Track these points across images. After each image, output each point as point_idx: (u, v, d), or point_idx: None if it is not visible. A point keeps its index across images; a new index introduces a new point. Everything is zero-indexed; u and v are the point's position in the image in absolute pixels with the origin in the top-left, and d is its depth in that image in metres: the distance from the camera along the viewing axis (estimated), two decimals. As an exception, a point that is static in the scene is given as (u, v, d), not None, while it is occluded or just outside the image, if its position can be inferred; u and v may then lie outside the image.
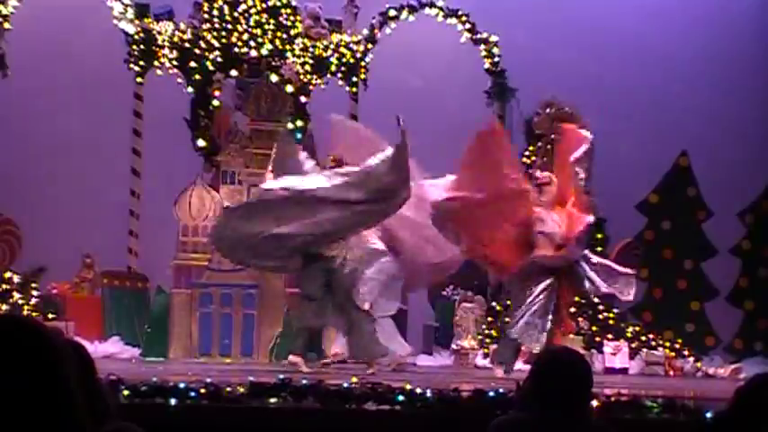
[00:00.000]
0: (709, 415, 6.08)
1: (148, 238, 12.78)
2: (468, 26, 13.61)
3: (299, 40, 12.97)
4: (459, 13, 13.57)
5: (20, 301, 11.44)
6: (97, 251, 12.43)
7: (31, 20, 12.53)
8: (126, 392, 5.99)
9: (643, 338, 12.36)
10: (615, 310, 12.38)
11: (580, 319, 12.05)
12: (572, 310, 11.17)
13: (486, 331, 12.06)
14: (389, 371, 9.56)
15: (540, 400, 3.46)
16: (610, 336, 12.18)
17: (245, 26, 12.80)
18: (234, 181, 12.03)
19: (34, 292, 11.67)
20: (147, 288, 12.25)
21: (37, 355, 1.96)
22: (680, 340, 12.80)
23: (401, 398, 6.22)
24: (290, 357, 9.41)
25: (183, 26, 12.79)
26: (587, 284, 9.66)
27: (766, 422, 3.31)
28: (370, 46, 13.30)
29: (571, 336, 10.86)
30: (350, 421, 6.16)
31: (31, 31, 12.60)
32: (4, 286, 11.54)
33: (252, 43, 12.79)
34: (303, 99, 13.03)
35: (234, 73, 12.82)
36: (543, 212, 9.67)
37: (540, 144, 13.48)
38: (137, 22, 12.66)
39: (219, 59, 12.75)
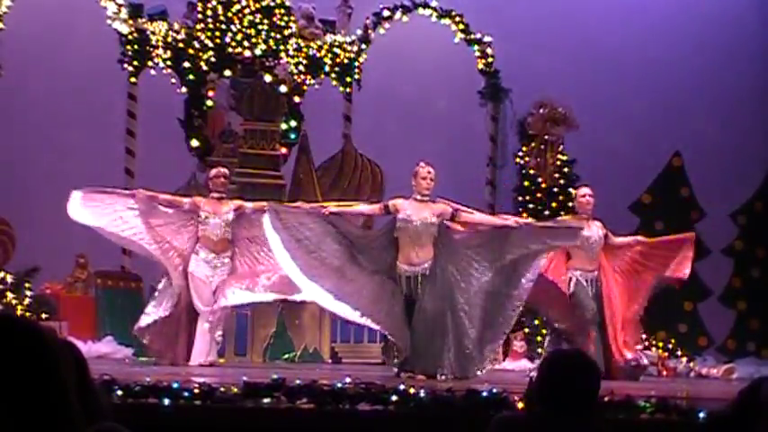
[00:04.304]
0: (702, 415, 6.09)
1: (142, 238, 12.76)
2: (461, 26, 13.63)
3: (292, 41, 12.98)
4: (453, 13, 13.59)
5: (13, 301, 11.43)
6: (90, 251, 12.41)
7: (25, 20, 12.52)
8: (119, 393, 5.98)
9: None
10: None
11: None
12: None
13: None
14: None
15: (546, 400, 3.46)
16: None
17: (238, 26, 12.81)
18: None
19: (28, 292, 11.66)
20: (140, 288, 12.24)
21: (33, 355, 1.97)
22: (673, 340, 12.83)
23: (395, 398, 6.22)
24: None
25: (176, 26, 12.80)
26: None
27: (763, 422, 3.33)
28: (363, 46, 13.31)
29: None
30: (343, 421, 6.17)
31: (24, 31, 12.60)
32: (-3, 286, 11.56)
33: (246, 43, 12.80)
34: (297, 99, 13.05)
35: (228, 73, 12.83)
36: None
37: (533, 144, 13.51)
38: (130, 21, 12.66)
39: (213, 59, 12.76)
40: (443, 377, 8.68)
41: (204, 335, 9.95)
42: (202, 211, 10.09)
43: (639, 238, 10.59)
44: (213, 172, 10.37)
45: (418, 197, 9.16)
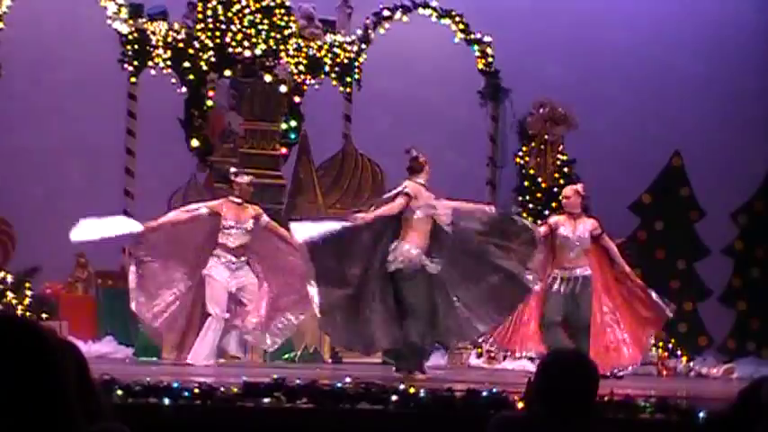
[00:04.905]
0: (701, 415, 6.10)
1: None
2: (461, 26, 13.63)
3: (292, 41, 12.98)
4: (453, 13, 13.58)
5: (13, 301, 11.43)
6: (91, 251, 12.41)
7: (25, 20, 12.52)
8: (119, 392, 5.98)
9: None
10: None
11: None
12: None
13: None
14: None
15: (545, 400, 3.47)
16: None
17: (238, 26, 12.80)
18: (227, 181, 12.01)
19: (28, 292, 11.66)
20: (140, 288, 12.23)
21: (33, 355, 1.97)
22: (673, 340, 12.83)
23: (395, 398, 6.22)
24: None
25: (176, 26, 12.79)
26: None
27: (764, 422, 3.33)
28: (363, 46, 13.31)
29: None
30: (343, 421, 6.17)
31: (24, 31, 12.59)
32: (-3, 286, 11.55)
33: (246, 43, 12.80)
34: (297, 99, 13.05)
35: (228, 73, 12.82)
36: (563, 220, 10.04)
37: (533, 144, 13.51)
38: (130, 21, 12.66)
39: (213, 59, 12.75)
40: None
41: (209, 337, 9.95)
42: (225, 220, 10.08)
43: (633, 279, 10.52)
44: (246, 179, 10.30)
45: (422, 181, 9.22)
